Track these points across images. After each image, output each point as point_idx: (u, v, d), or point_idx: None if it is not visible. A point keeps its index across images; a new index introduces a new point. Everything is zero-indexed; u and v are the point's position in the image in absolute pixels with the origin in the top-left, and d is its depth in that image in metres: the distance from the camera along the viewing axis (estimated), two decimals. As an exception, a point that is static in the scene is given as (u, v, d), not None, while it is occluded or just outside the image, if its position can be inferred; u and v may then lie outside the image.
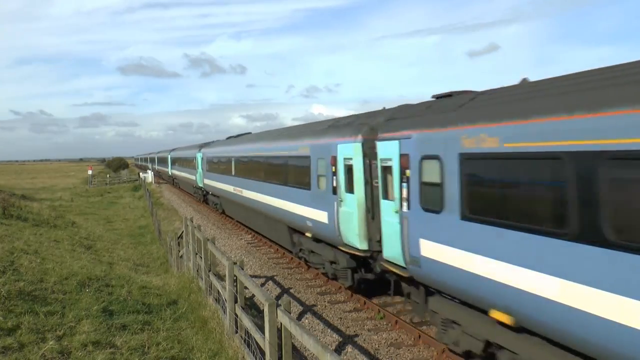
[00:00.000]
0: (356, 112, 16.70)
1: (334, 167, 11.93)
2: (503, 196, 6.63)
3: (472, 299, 7.43)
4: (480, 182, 7.07)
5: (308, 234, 13.75)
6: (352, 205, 11.16)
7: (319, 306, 12.28)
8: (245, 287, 8.81)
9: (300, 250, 15.21)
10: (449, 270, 7.67)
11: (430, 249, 8.18)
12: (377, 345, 9.82)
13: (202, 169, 31.89)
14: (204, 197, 33.78)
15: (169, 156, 53.21)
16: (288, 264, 16.77)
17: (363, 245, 11.00)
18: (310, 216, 13.30)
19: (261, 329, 7.40)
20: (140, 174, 71.88)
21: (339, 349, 9.72)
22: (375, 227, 10.66)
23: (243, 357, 7.97)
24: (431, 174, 8.12)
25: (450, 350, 8.82)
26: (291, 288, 13.89)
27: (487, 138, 6.79)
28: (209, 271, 11.09)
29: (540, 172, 5.96)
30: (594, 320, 5.19)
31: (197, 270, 12.81)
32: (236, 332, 8.63)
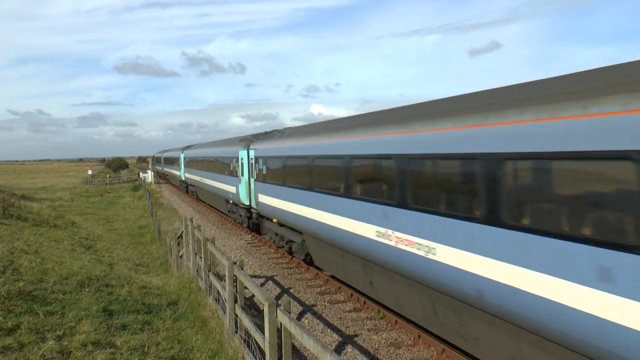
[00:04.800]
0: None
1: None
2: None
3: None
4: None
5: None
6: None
7: (318, 306, 12.28)
8: (245, 287, 8.81)
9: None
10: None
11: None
12: (377, 345, 9.82)
13: None
14: None
15: (252, 155, 20.13)
16: (288, 264, 16.77)
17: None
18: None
19: (261, 329, 7.40)
20: (140, 173, 71.92)
21: (338, 349, 9.72)
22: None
23: (243, 357, 7.97)
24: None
25: (451, 348, 8.82)
26: (291, 288, 13.89)
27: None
28: (209, 271, 11.09)
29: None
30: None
31: (197, 270, 12.81)
32: (236, 332, 8.63)
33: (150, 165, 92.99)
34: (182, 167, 42.12)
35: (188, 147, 42.40)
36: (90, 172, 66.16)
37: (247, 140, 21.10)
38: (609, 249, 5.11)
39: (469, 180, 7.13)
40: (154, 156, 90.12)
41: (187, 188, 42.00)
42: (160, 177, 70.34)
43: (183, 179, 42.48)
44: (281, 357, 6.72)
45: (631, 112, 4.89)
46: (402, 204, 8.68)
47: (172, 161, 50.81)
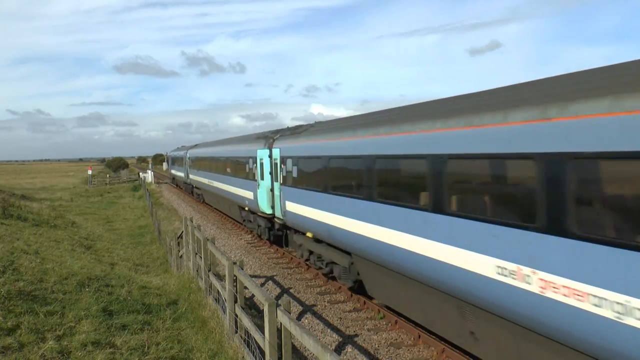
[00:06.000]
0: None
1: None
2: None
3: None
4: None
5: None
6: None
7: (318, 306, 12.28)
8: (245, 287, 8.81)
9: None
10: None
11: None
12: (377, 345, 9.82)
13: None
14: None
15: None
16: (288, 264, 16.77)
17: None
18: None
19: (261, 329, 7.40)
20: (140, 173, 71.81)
21: (338, 349, 9.72)
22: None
23: (243, 357, 7.97)
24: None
25: (451, 348, 8.83)
26: (291, 288, 13.90)
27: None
28: (209, 271, 11.09)
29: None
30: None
31: (197, 270, 12.81)
32: (236, 332, 8.63)
33: (150, 166, 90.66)
34: (264, 181, 17.99)
35: (291, 135, 16.38)
36: (90, 172, 66.10)
37: None
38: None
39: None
40: (167, 155, 71.23)
41: (270, 231, 19.14)
42: (182, 188, 48.73)
43: (270, 212, 17.88)
44: (281, 357, 6.72)
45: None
46: None
47: (217, 166, 27.45)
